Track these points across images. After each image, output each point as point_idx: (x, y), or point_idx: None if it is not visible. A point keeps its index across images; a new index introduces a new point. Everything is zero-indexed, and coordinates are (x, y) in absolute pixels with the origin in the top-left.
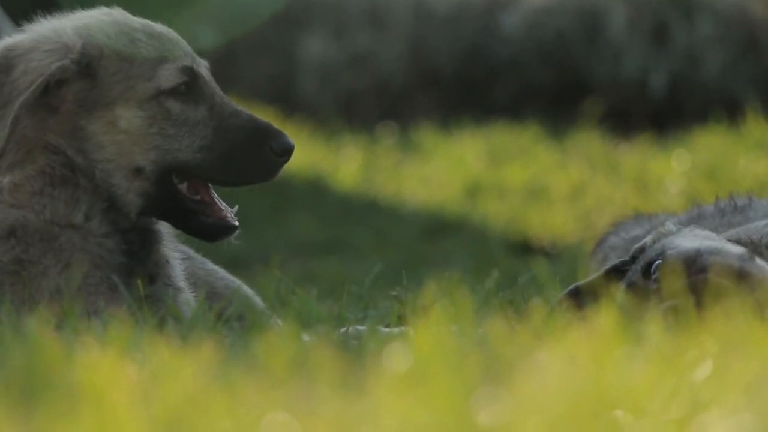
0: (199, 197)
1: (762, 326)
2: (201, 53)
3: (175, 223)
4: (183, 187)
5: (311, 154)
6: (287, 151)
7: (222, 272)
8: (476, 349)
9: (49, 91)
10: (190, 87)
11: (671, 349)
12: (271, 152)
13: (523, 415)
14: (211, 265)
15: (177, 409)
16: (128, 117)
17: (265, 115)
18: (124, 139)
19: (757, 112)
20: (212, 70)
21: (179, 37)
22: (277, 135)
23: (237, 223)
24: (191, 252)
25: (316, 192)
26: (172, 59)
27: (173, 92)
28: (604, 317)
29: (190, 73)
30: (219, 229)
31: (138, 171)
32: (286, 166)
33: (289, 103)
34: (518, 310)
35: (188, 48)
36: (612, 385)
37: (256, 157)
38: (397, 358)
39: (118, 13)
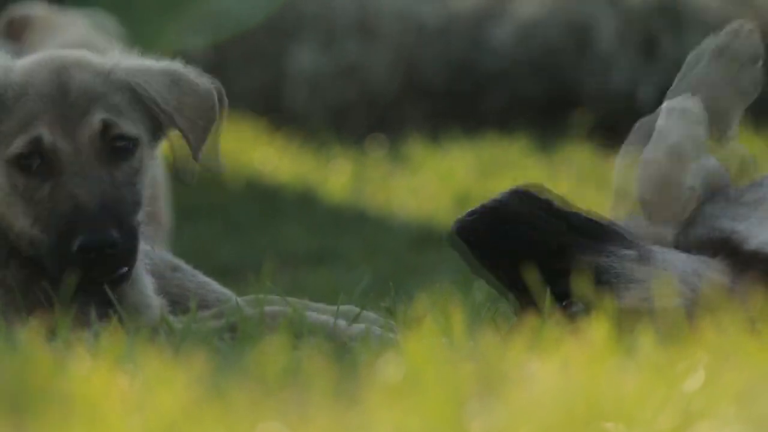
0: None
1: (753, 337)
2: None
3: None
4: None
5: (300, 166)
6: (82, 250)
7: (214, 284)
8: (468, 360)
9: None
10: (40, 160)
11: (663, 359)
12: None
13: (515, 425)
14: (202, 277)
15: (170, 419)
16: None
17: (254, 126)
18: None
19: (745, 123)
20: None
21: (98, 94)
22: (80, 233)
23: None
24: (182, 264)
25: (305, 203)
26: (39, 124)
27: (17, 163)
28: (596, 328)
29: (37, 147)
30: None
31: (20, 234)
32: (275, 177)
33: (278, 114)
34: (509, 321)
35: (88, 107)
36: (604, 396)
37: (63, 251)
38: (389, 367)
39: (69, 55)
